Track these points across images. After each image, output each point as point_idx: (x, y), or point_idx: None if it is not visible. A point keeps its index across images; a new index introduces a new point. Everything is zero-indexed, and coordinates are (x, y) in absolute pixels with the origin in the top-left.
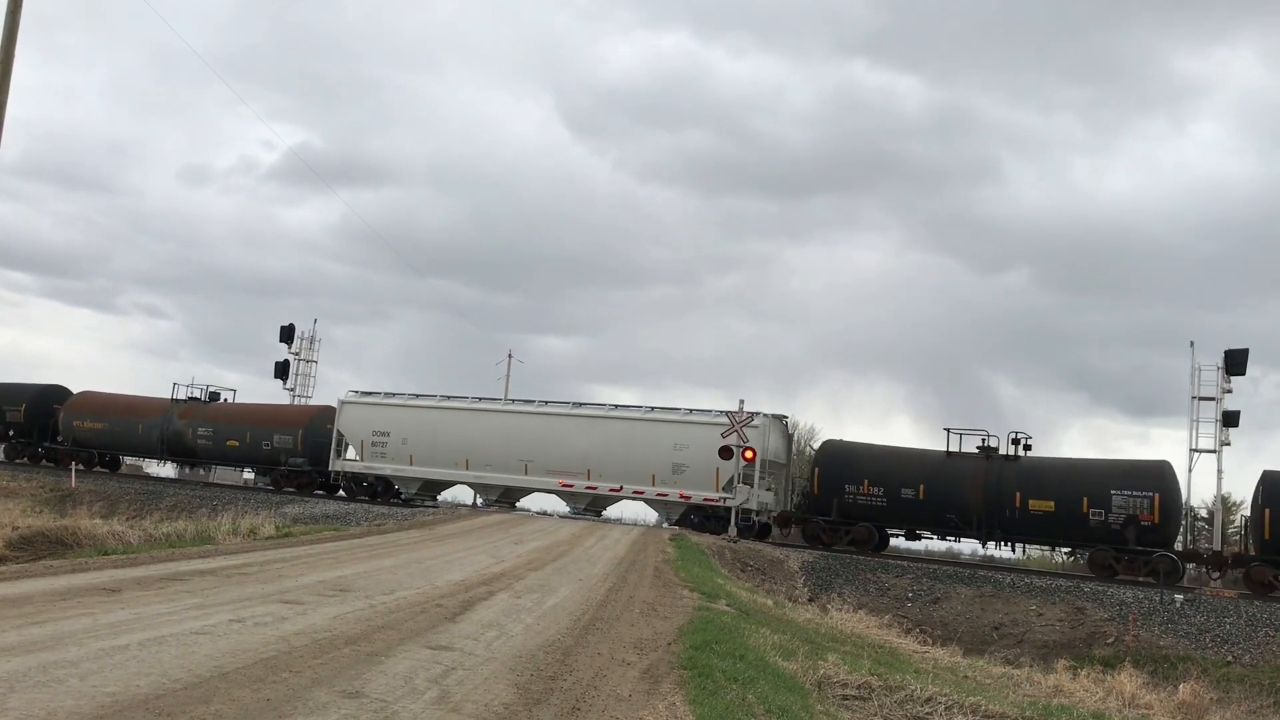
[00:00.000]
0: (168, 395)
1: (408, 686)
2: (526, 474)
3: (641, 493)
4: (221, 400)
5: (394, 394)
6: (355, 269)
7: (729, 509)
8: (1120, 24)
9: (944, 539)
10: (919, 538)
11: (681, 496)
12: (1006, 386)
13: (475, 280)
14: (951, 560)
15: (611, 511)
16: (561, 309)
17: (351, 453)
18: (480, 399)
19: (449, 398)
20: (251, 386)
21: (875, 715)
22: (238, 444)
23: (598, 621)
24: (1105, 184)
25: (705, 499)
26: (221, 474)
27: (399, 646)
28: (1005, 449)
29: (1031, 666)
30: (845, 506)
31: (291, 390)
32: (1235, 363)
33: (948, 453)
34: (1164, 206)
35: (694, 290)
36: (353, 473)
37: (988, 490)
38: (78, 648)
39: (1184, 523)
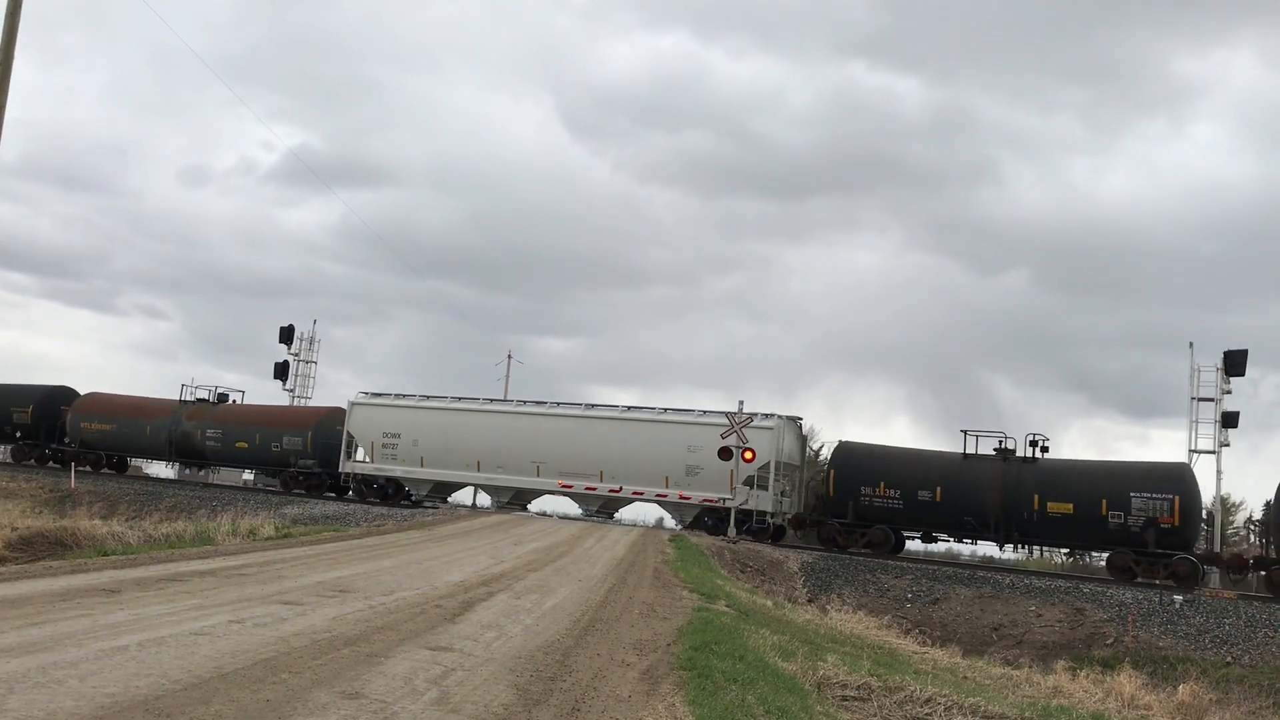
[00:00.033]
0: (174, 396)
1: (407, 687)
2: (539, 476)
3: (655, 495)
4: (230, 402)
5: (404, 395)
6: (355, 270)
7: (744, 511)
8: (1119, 24)
9: (961, 541)
10: (935, 540)
11: (695, 499)
12: (1006, 387)
13: (475, 281)
14: (951, 561)
15: (623, 514)
16: (561, 310)
17: (361, 454)
18: (492, 400)
19: (460, 399)
20: (251, 387)
21: (875, 716)
22: (246, 446)
23: (597, 622)
24: (1105, 185)
25: (713, 498)
26: (221, 474)
27: (398, 647)
28: (1022, 451)
29: (1031, 667)
30: (861, 509)
31: (291, 391)
32: (1234, 364)
33: (964, 455)
34: (1163, 207)
35: (694, 291)
36: (363, 474)
37: (1005, 492)
38: (77, 648)
39: (1205, 526)
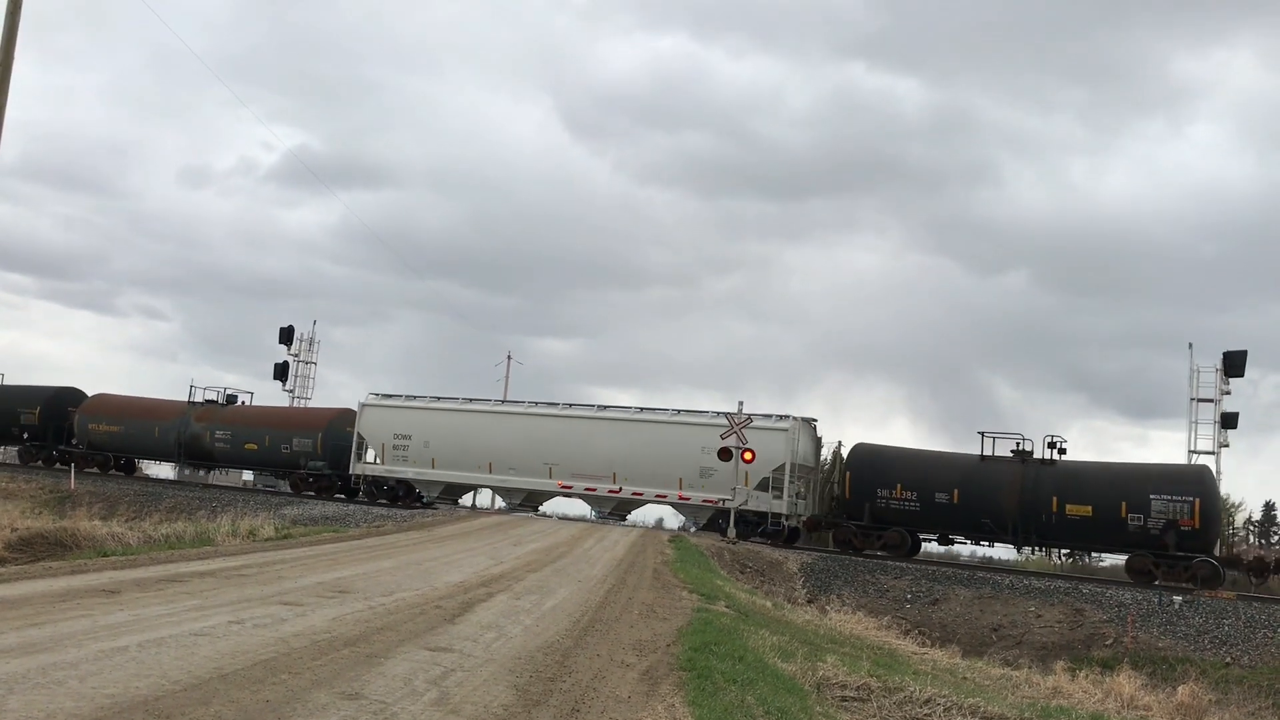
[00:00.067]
0: (175, 397)
1: (407, 688)
2: (551, 477)
3: (668, 497)
4: (239, 403)
5: (415, 396)
6: (354, 270)
7: (759, 513)
8: (1119, 25)
9: (978, 544)
10: (952, 542)
11: (709, 501)
12: (1005, 388)
13: (475, 282)
14: (950, 562)
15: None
16: (561, 310)
17: (372, 455)
18: (503, 401)
19: (472, 400)
20: (250, 388)
21: (874, 717)
22: (256, 447)
23: (597, 623)
24: (1104, 185)
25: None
26: (222, 475)
27: (398, 648)
28: (1040, 452)
29: (1030, 668)
30: (877, 511)
31: (290, 392)
32: (1234, 364)
33: (982, 456)
34: (1163, 208)
35: (693, 292)
36: (373, 476)
37: (1023, 494)
38: (77, 649)
39: (1228, 529)
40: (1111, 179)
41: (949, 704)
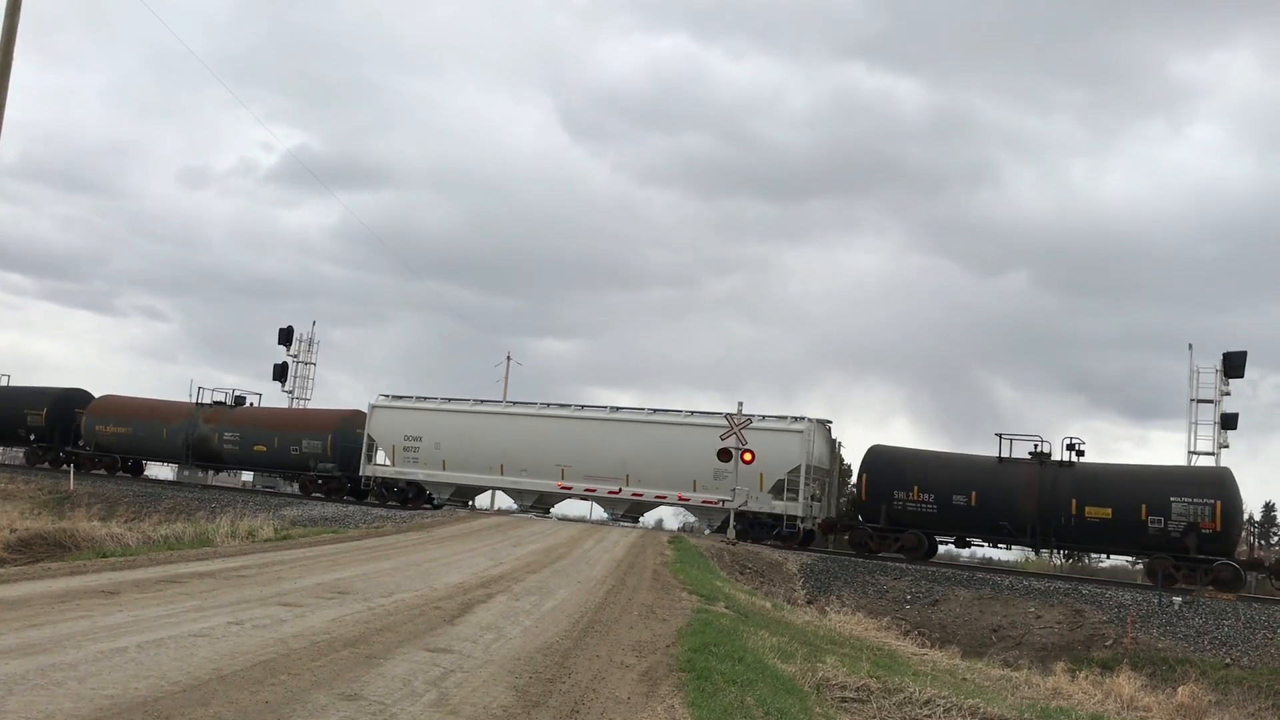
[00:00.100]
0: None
1: (406, 689)
2: (563, 479)
3: (682, 499)
4: (247, 404)
5: (426, 398)
6: (354, 271)
7: (774, 515)
8: (1119, 26)
9: (996, 546)
10: (969, 545)
11: (713, 502)
12: (1005, 389)
13: (474, 282)
14: (950, 563)
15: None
16: (560, 311)
17: (382, 457)
18: (515, 403)
19: (482, 401)
20: (249, 389)
21: (874, 717)
22: (265, 449)
23: (596, 624)
24: (1104, 186)
25: (741, 503)
26: (220, 476)
27: (397, 649)
28: (1058, 454)
29: (1030, 669)
30: (894, 513)
31: (290, 393)
32: (1233, 365)
33: (999, 458)
34: (1162, 209)
35: (693, 292)
36: (384, 478)
37: (1042, 497)
38: (76, 650)
39: (1252, 532)
40: (1111, 180)
41: (949, 705)
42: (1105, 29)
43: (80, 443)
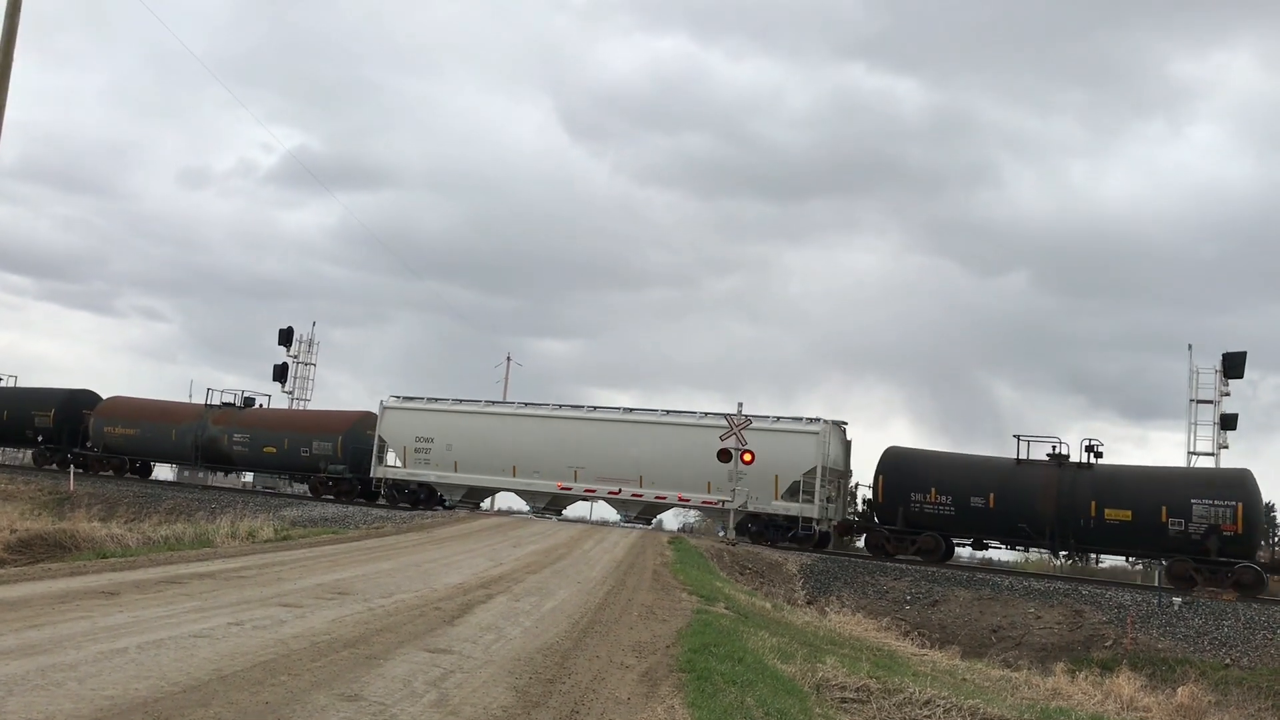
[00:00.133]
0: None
1: (406, 689)
2: (576, 481)
3: (697, 500)
4: (257, 406)
5: (437, 399)
6: (354, 272)
7: (789, 517)
8: (1118, 26)
9: (1014, 549)
10: (986, 547)
11: (723, 504)
12: (1005, 389)
13: (474, 283)
14: (950, 563)
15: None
16: (560, 311)
17: (393, 458)
18: (528, 404)
19: (494, 402)
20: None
21: (874, 718)
22: (275, 451)
23: (596, 624)
24: (1104, 186)
25: (758, 505)
26: (219, 476)
27: (397, 649)
28: (1077, 456)
29: (1030, 669)
30: (911, 515)
31: (290, 393)
32: (1233, 366)
33: (1018, 460)
34: (1162, 209)
35: (693, 293)
36: (395, 479)
37: (1061, 499)
38: (76, 651)
39: (1277, 535)
40: (1111, 180)
41: (948, 705)
42: (1105, 29)
43: (88, 444)
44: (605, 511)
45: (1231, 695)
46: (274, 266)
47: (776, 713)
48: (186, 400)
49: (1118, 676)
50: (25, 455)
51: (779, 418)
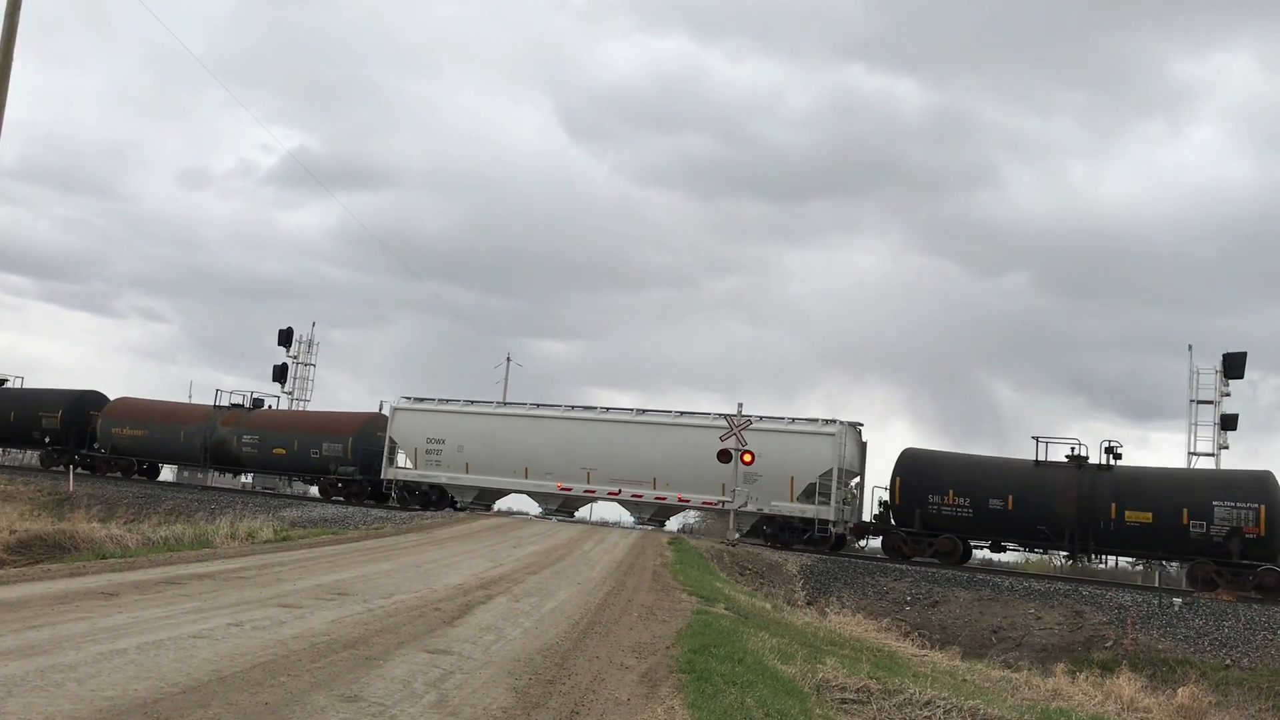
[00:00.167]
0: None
1: (406, 690)
2: (589, 482)
3: (711, 503)
4: (266, 407)
5: (448, 400)
6: (353, 272)
7: (805, 519)
8: (1118, 27)
9: (1033, 551)
10: (1004, 550)
11: (752, 507)
12: (1005, 390)
13: (474, 283)
14: (949, 564)
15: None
16: (560, 312)
17: (403, 460)
18: (539, 405)
19: (506, 404)
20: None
21: (874, 719)
22: (284, 452)
23: (596, 625)
24: (1104, 187)
25: (773, 507)
26: (219, 477)
27: (397, 650)
28: (1096, 457)
29: (1030, 670)
30: (929, 517)
31: (290, 394)
32: (1233, 366)
33: (1036, 462)
34: (1162, 210)
35: (693, 293)
36: (405, 481)
37: (1080, 501)
38: (75, 651)
39: None
40: (1111, 181)
41: (949, 706)
42: (1105, 30)
43: (96, 445)
44: (606, 512)
45: (1232, 696)
46: (274, 267)
47: (776, 713)
48: (187, 401)
49: (1118, 677)
50: (27, 456)
51: (794, 419)
